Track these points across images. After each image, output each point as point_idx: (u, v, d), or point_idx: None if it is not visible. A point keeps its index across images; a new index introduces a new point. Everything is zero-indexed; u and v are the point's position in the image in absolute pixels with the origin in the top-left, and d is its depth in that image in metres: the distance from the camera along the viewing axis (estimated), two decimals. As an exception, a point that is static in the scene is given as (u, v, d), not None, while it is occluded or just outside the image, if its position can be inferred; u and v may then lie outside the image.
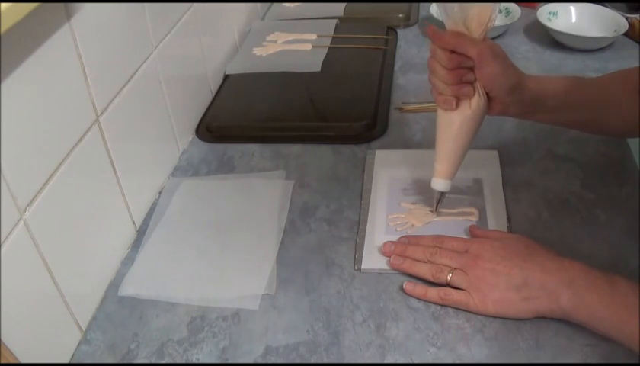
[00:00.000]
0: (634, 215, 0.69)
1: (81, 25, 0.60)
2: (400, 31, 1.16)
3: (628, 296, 0.53)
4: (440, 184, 0.67)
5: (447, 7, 0.60)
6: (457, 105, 0.63)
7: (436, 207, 0.70)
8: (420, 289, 0.61)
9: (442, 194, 0.69)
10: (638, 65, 0.68)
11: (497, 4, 0.60)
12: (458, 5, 0.59)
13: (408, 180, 0.76)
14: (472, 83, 0.62)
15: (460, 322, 0.58)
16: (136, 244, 0.71)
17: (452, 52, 0.60)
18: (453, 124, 0.64)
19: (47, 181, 0.56)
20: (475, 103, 0.62)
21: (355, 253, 0.67)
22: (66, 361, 0.59)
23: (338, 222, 0.72)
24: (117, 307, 0.64)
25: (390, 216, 0.71)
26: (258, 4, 1.25)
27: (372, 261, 0.66)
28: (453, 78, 0.61)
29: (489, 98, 0.63)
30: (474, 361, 0.55)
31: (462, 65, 0.61)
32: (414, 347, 0.57)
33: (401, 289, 0.62)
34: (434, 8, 1.14)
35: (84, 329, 0.62)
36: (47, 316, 0.57)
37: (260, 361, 0.57)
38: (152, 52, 0.77)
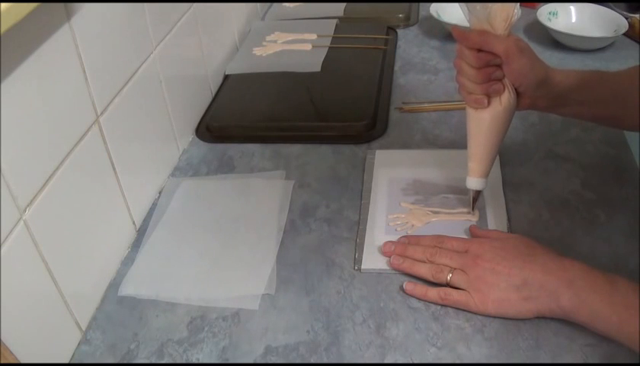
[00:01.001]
0: (634, 215, 0.69)
1: (81, 25, 0.60)
2: (400, 31, 1.16)
3: (628, 296, 0.53)
4: (475, 182, 0.67)
5: (470, 5, 0.60)
6: (489, 103, 0.63)
7: (473, 206, 0.70)
8: (420, 289, 0.61)
9: (478, 193, 0.69)
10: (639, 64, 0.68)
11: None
12: (481, 4, 0.59)
13: (408, 180, 0.76)
14: (500, 80, 0.62)
15: (460, 322, 0.58)
16: (136, 244, 0.71)
17: (479, 50, 0.60)
18: (484, 122, 0.64)
19: (47, 181, 0.56)
20: (505, 99, 0.62)
21: (355, 253, 0.67)
22: (66, 361, 0.59)
23: (338, 222, 0.72)
24: (117, 307, 0.64)
25: (390, 216, 0.71)
26: (258, 4, 1.25)
27: (372, 261, 0.66)
28: (482, 77, 0.61)
29: (518, 93, 0.63)
30: (474, 361, 0.55)
31: (490, 63, 0.61)
32: (414, 347, 0.57)
33: (401, 289, 0.62)
34: (434, 8, 1.14)
35: (84, 329, 0.62)
36: (47, 316, 0.57)
37: (260, 361, 0.57)
38: (152, 52, 0.77)
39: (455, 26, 0.62)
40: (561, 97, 0.65)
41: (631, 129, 0.76)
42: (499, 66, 0.61)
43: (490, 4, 0.59)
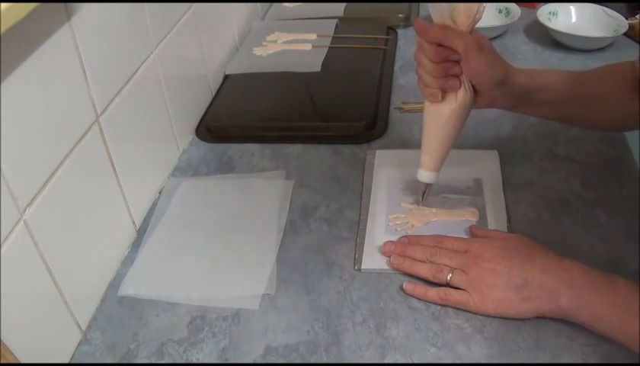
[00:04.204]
0: (634, 215, 0.69)
1: (81, 25, 0.60)
2: (400, 31, 1.16)
3: (628, 297, 0.53)
4: (425, 176, 0.68)
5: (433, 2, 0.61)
6: (443, 98, 0.63)
7: (422, 198, 0.71)
8: (420, 289, 0.61)
9: (428, 185, 0.69)
10: (612, 63, 0.68)
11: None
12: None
13: (408, 180, 0.76)
14: (458, 76, 0.62)
15: (460, 322, 0.58)
16: (136, 244, 0.71)
17: (439, 45, 0.60)
18: (441, 117, 0.64)
19: (47, 181, 0.56)
20: (461, 96, 0.62)
21: (355, 253, 0.67)
22: (66, 361, 0.59)
23: (338, 222, 0.72)
24: (117, 307, 0.64)
25: (390, 216, 0.71)
26: (258, 4, 1.25)
27: (372, 261, 0.66)
28: (440, 71, 0.61)
29: (476, 91, 0.63)
30: (474, 361, 0.55)
31: (448, 59, 0.60)
32: (414, 347, 0.57)
33: (401, 289, 0.62)
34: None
35: (84, 329, 0.62)
36: (47, 316, 0.57)
37: (260, 361, 0.57)
38: (152, 52, 0.77)
39: (418, 19, 0.62)
40: (523, 97, 0.65)
41: (598, 128, 0.77)
42: (457, 62, 0.61)
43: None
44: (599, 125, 0.73)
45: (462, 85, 0.62)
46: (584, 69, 0.85)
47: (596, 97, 0.67)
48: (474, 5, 0.59)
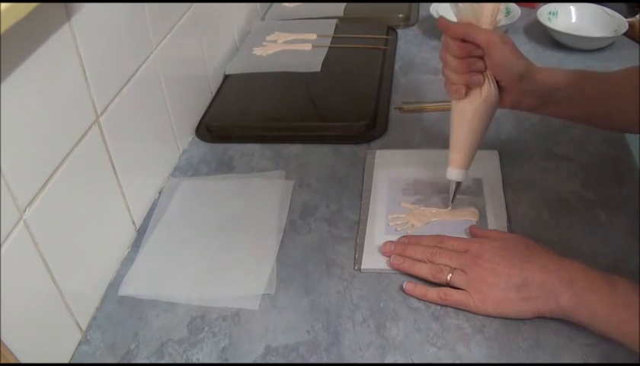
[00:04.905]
0: (634, 215, 0.69)
1: (81, 25, 0.60)
2: (400, 31, 1.16)
3: (628, 296, 0.53)
4: (455, 173, 0.68)
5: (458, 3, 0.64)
6: (467, 94, 0.64)
7: (453, 197, 0.70)
8: (420, 289, 0.61)
9: (458, 184, 0.69)
10: (638, 64, 0.68)
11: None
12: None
13: (408, 180, 0.76)
14: (482, 72, 0.63)
15: (460, 322, 0.58)
16: (136, 244, 0.71)
17: (463, 41, 0.62)
18: (466, 114, 0.65)
19: (47, 181, 0.56)
20: (485, 91, 0.64)
21: (355, 253, 0.67)
22: (66, 361, 0.59)
23: (338, 222, 0.72)
24: (117, 307, 0.64)
25: (390, 216, 0.71)
26: (258, 4, 1.25)
27: (372, 261, 0.66)
28: (464, 67, 0.63)
29: (500, 88, 0.64)
30: (474, 361, 0.55)
31: (472, 54, 0.62)
32: (414, 347, 0.57)
33: (401, 289, 0.62)
34: (434, 8, 1.14)
35: (84, 329, 0.62)
36: (47, 316, 0.57)
37: (260, 361, 0.57)
38: (152, 52, 0.77)
39: (442, 17, 0.64)
40: (545, 95, 0.65)
41: (617, 130, 0.76)
42: (481, 58, 0.62)
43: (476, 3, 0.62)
44: (618, 126, 0.72)
45: (487, 81, 0.63)
46: (587, 69, 0.85)
47: (617, 97, 0.67)
48: (495, 5, 0.62)
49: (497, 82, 0.64)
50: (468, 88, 0.64)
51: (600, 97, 0.67)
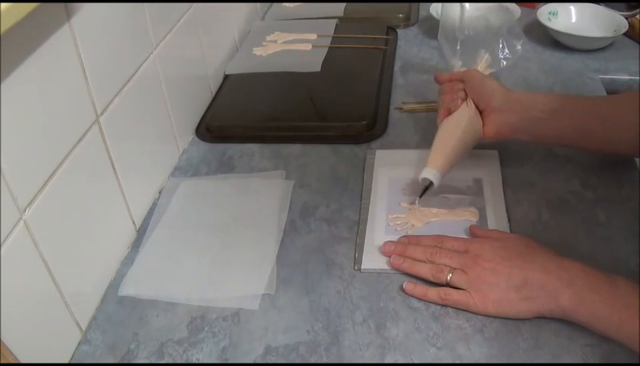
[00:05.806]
0: (634, 215, 0.69)
1: (81, 25, 0.60)
2: (400, 31, 1.16)
3: (628, 296, 0.53)
4: (429, 172, 0.69)
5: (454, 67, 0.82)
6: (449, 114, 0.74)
7: (420, 197, 0.71)
8: (420, 289, 0.61)
9: (429, 185, 0.70)
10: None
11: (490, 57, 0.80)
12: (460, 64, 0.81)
13: (407, 180, 0.76)
14: (462, 98, 0.74)
15: (460, 322, 0.58)
16: (136, 244, 0.71)
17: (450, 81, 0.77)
18: (445, 124, 0.73)
19: (47, 181, 0.56)
20: (463, 109, 0.73)
21: (355, 253, 0.67)
22: (66, 361, 0.59)
23: (338, 222, 0.72)
24: (117, 307, 0.64)
25: (390, 216, 0.71)
26: (258, 4, 1.25)
27: (372, 261, 0.66)
28: (447, 89, 0.77)
29: (481, 112, 0.73)
30: (474, 361, 0.55)
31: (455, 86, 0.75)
32: (414, 347, 0.57)
33: (401, 289, 0.62)
34: (434, 8, 1.14)
35: (84, 329, 0.62)
36: (47, 316, 0.57)
37: (260, 361, 0.57)
38: (151, 52, 0.77)
39: (437, 71, 0.81)
40: (537, 122, 0.69)
41: (620, 153, 0.75)
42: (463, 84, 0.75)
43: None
44: (621, 149, 0.72)
45: (465, 102, 0.73)
46: (584, 70, 0.85)
47: (619, 121, 0.68)
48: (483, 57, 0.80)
49: (477, 107, 0.73)
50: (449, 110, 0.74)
51: (597, 120, 0.68)
